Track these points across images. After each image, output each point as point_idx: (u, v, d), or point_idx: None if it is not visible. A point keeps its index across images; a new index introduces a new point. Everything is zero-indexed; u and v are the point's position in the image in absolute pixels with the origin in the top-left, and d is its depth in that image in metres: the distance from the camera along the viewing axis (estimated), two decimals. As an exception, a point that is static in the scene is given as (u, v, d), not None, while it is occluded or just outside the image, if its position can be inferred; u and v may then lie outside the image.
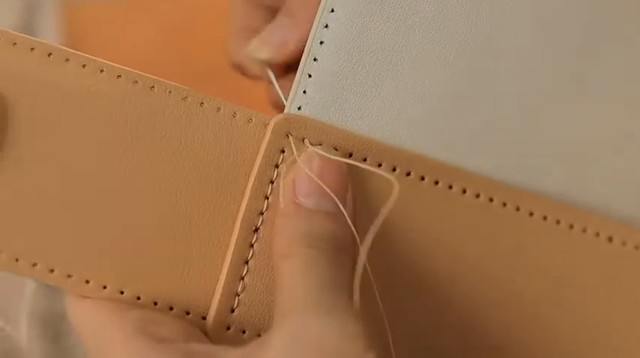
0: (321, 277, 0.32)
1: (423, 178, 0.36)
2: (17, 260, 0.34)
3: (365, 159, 0.36)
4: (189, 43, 0.57)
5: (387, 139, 0.36)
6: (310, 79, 0.36)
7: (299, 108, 0.36)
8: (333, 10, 0.36)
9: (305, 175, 0.34)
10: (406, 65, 0.36)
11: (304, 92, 0.36)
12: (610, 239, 0.38)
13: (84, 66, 0.34)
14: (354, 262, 0.34)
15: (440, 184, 0.36)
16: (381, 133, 0.36)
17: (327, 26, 0.36)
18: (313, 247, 0.33)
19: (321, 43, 0.36)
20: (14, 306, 0.46)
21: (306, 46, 0.36)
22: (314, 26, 0.36)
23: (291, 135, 0.35)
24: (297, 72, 0.36)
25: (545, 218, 0.37)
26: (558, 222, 0.37)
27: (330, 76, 0.36)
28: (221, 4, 0.59)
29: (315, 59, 0.36)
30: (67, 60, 0.34)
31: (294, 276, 0.33)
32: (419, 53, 0.36)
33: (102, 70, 0.34)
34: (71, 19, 0.56)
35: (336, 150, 0.35)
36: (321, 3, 0.36)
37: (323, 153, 0.35)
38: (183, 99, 0.35)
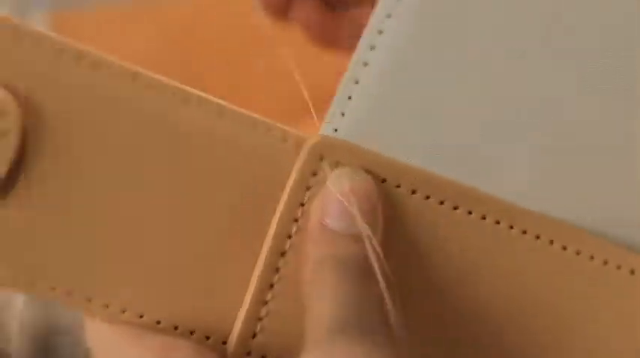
0: (349, 299, 0.31)
1: (456, 208, 0.35)
2: (34, 284, 0.32)
3: (398, 186, 0.35)
4: (188, 45, 0.56)
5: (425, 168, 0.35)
6: (350, 101, 0.35)
7: (335, 131, 0.35)
8: (380, 32, 0.35)
9: (333, 197, 0.33)
10: (450, 96, 0.35)
11: (342, 114, 0.35)
12: (605, 262, 0.37)
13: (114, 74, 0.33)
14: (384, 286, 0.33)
15: (473, 215, 0.35)
16: (418, 162, 0.35)
17: (372, 48, 0.35)
18: (340, 270, 0.32)
19: (365, 64, 0.35)
20: (5, 318, 0.45)
21: (349, 68, 0.35)
22: (358, 48, 0.35)
23: (325, 158, 0.34)
24: (337, 93, 0.35)
25: (551, 242, 0.36)
26: (565, 248, 0.37)
27: (371, 100, 0.35)
28: (221, 7, 0.58)
29: (356, 81, 0.35)
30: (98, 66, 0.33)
31: (321, 300, 0.32)
32: (465, 86, 0.35)
33: (134, 79, 0.33)
34: (61, 28, 0.55)
35: (370, 174, 0.34)
36: (367, 27, 0.35)
37: (353, 174, 0.34)
38: (219, 115, 0.34)
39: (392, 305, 0.31)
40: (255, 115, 0.34)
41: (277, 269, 0.34)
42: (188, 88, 0.33)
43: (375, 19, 0.35)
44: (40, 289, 0.32)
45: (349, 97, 0.35)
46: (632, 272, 0.37)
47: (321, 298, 0.32)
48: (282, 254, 0.34)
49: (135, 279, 0.33)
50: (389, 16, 0.35)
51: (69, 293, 0.32)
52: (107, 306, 0.33)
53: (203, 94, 0.33)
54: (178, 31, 0.57)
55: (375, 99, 0.35)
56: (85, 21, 0.56)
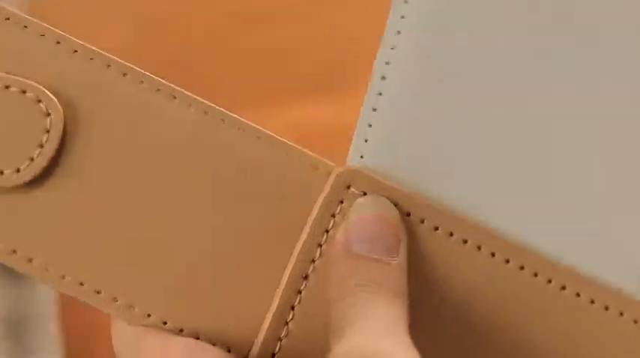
0: (378, 319, 0.32)
1: (479, 248, 0.36)
2: (64, 277, 0.34)
3: (422, 221, 0.36)
4: (162, 31, 0.57)
5: (445, 195, 0.36)
6: (370, 128, 0.36)
7: (361, 157, 0.36)
8: (388, 63, 0.37)
9: (357, 222, 0.34)
10: (465, 124, 0.36)
11: (365, 141, 0.36)
12: (606, 308, 0.37)
13: (158, 90, 0.35)
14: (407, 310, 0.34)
15: (496, 256, 0.36)
16: (440, 189, 0.36)
17: (384, 78, 0.36)
18: (365, 291, 0.33)
19: (380, 94, 0.36)
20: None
21: (366, 97, 0.36)
22: (373, 78, 0.36)
23: (352, 187, 0.35)
24: (359, 121, 0.36)
25: (563, 287, 0.36)
26: (578, 294, 0.37)
27: (389, 127, 0.36)
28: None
29: (374, 109, 0.36)
30: (142, 82, 0.35)
31: (350, 319, 0.33)
32: (476, 115, 0.37)
33: (174, 97, 0.35)
34: (39, 12, 0.55)
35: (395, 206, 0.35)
36: (377, 58, 0.36)
37: (378, 203, 0.35)
38: (258, 138, 0.35)
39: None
40: (289, 142, 0.35)
41: (299, 292, 0.35)
42: (225, 111, 0.35)
43: (383, 50, 0.37)
44: (67, 284, 0.34)
45: (369, 125, 0.36)
46: (636, 321, 0.37)
47: (348, 317, 0.33)
48: (305, 277, 0.35)
49: (161, 286, 0.34)
50: (394, 48, 0.37)
51: (96, 291, 0.34)
52: (132, 308, 0.34)
53: (238, 117, 0.35)
54: (151, 18, 0.57)
55: (391, 125, 0.36)
56: (64, 9, 0.56)
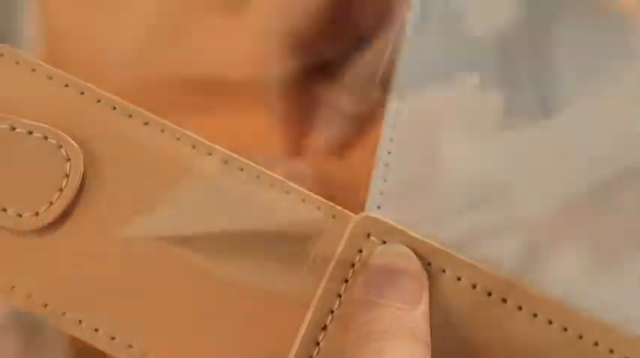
0: None
1: (505, 300, 0.35)
2: (80, 322, 0.34)
3: (444, 271, 0.35)
4: (174, 33, 0.56)
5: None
6: (385, 182, 0.36)
7: (378, 208, 0.36)
8: (394, 126, 0.37)
9: (377, 270, 0.34)
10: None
11: (381, 193, 0.36)
12: (596, 343, 0.35)
13: (179, 139, 0.35)
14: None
15: (524, 310, 0.35)
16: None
17: (391, 139, 0.37)
18: (384, 338, 0.32)
19: (389, 153, 0.37)
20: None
21: (377, 153, 0.37)
22: (382, 137, 0.37)
23: (372, 236, 0.35)
24: (373, 173, 0.36)
25: (580, 337, 0.35)
26: (581, 336, 0.36)
27: (402, 182, 0.36)
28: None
29: (386, 164, 0.36)
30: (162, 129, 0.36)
31: None
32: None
33: (194, 146, 0.35)
34: (50, 9, 0.55)
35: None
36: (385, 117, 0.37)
37: (399, 251, 0.35)
38: (271, 185, 0.35)
39: None
40: (305, 190, 0.35)
41: (317, 343, 0.34)
42: (243, 160, 0.35)
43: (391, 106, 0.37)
44: (83, 329, 0.34)
45: (384, 180, 0.36)
46: None
47: None
48: (324, 328, 0.34)
49: (174, 335, 0.34)
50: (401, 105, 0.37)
51: (111, 337, 0.34)
52: (146, 355, 0.34)
53: (255, 165, 0.36)
54: (163, 21, 0.57)
55: (405, 180, 0.36)
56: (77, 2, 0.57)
